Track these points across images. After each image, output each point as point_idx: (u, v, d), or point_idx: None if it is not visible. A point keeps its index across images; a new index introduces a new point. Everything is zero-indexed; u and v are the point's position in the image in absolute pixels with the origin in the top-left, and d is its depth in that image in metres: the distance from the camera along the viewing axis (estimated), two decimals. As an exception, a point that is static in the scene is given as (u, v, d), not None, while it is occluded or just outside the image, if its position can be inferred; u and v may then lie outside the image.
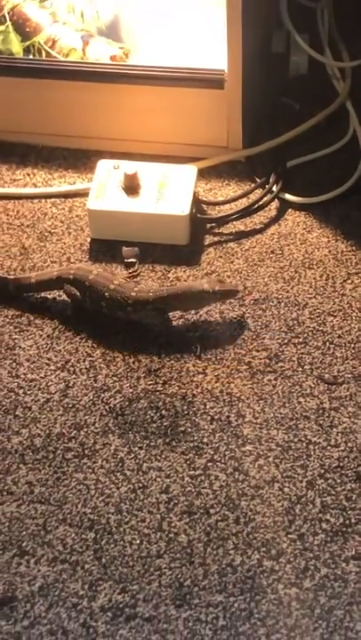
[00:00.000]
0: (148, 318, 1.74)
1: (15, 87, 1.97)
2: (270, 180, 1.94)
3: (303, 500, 1.53)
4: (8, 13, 2.04)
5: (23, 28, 2.05)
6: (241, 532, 1.50)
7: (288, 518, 1.51)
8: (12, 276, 1.80)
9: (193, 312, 1.75)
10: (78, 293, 1.75)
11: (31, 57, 2.03)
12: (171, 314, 1.75)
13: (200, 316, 1.75)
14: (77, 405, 1.65)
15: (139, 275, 1.81)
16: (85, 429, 1.62)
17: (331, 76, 2.03)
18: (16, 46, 2.03)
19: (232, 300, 1.77)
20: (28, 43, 2.04)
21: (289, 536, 1.50)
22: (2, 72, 1.98)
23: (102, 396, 1.66)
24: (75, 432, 1.62)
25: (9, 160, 2.01)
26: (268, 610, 1.43)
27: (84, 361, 1.71)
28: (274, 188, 1.93)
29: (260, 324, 1.75)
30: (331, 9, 2.02)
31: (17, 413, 1.64)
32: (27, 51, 2.04)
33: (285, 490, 1.54)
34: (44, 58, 2.03)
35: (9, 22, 2.03)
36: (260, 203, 1.92)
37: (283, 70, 2.07)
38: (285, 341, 1.72)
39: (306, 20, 2.01)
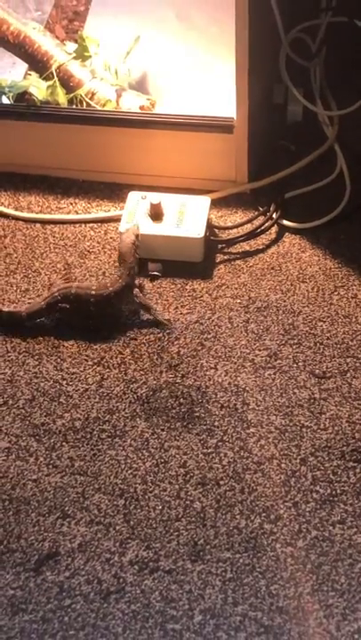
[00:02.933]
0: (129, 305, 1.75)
1: (61, 132, 1.97)
2: (271, 208, 1.93)
3: (297, 474, 1.53)
4: (55, 70, 2.04)
5: (68, 82, 2.05)
6: (245, 500, 1.50)
7: (285, 489, 1.51)
8: (7, 309, 1.75)
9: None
10: (69, 306, 1.73)
11: (74, 107, 2.03)
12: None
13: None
14: (110, 394, 1.65)
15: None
16: (117, 414, 1.62)
17: (321, 122, 2.02)
18: (62, 98, 2.03)
19: (238, 308, 1.77)
20: (71, 95, 2.04)
21: (285, 504, 1.49)
22: (50, 119, 1.98)
23: (131, 386, 1.66)
24: (108, 416, 1.62)
25: (55, 192, 2.01)
26: (267, 565, 1.42)
27: (116, 357, 1.71)
28: (274, 216, 1.93)
29: (262, 327, 1.74)
30: (322, 67, 2.02)
31: (61, 400, 1.64)
32: (70, 102, 2.04)
33: (282, 465, 1.54)
34: (84, 108, 2.03)
35: (56, 78, 2.03)
36: (263, 227, 1.91)
37: (282, 118, 2.06)
38: (283, 342, 1.72)
39: (301, 76, 2.01)
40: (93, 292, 1.73)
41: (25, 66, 2.11)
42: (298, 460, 1.54)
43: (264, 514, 1.48)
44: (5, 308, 1.75)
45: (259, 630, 1.36)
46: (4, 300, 1.81)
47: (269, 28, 1.89)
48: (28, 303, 1.78)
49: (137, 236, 1.80)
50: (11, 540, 1.46)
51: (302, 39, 1.98)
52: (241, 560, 1.43)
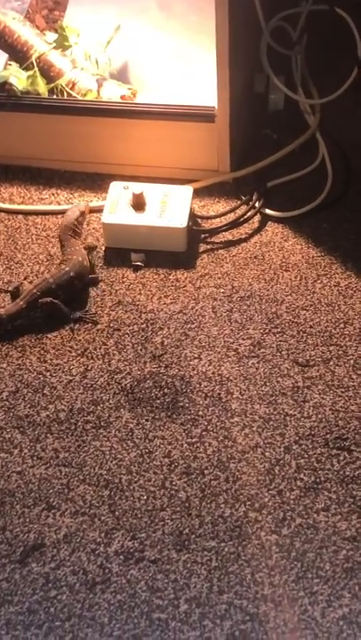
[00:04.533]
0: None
1: (41, 122, 1.96)
2: (253, 197, 1.93)
3: (281, 462, 1.53)
4: (35, 60, 2.03)
5: (48, 72, 2.04)
6: (230, 489, 1.50)
7: (269, 477, 1.51)
8: None
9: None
10: (54, 299, 1.73)
11: (55, 97, 2.02)
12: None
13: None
14: (95, 385, 1.65)
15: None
16: (101, 405, 1.62)
17: (303, 111, 2.02)
18: (42, 88, 2.02)
19: (222, 297, 1.77)
20: (52, 85, 2.02)
21: (270, 492, 1.50)
22: (30, 109, 1.97)
23: (115, 377, 1.66)
24: (92, 407, 1.62)
25: (37, 182, 2.00)
26: (252, 553, 1.43)
27: (99, 348, 1.70)
28: (256, 205, 1.93)
29: (245, 317, 1.75)
30: (303, 56, 2.02)
31: (45, 392, 1.64)
32: (51, 92, 2.02)
33: (267, 454, 1.54)
34: (65, 97, 2.02)
35: (36, 68, 2.02)
36: (245, 217, 1.91)
37: (263, 106, 2.06)
38: (266, 331, 1.72)
39: (282, 65, 2.00)
40: (72, 274, 1.75)
41: (5, 56, 2.09)
42: (282, 449, 1.55)
43: (249, 502, 1.48)
44: None
45: (244, 618, 1.36)
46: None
47: (250, 16, 1.88)
48: (1, 307, 1.77)
49: (82, 213, 1.83)
50: (-4, 532, 1.46)
51: (283, 27, 1.97)
52: (226, 549, 1.43)
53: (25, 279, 1.79)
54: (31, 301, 1.73)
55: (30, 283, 1.77)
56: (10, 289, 1.78)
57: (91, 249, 1.83)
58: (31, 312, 1.73)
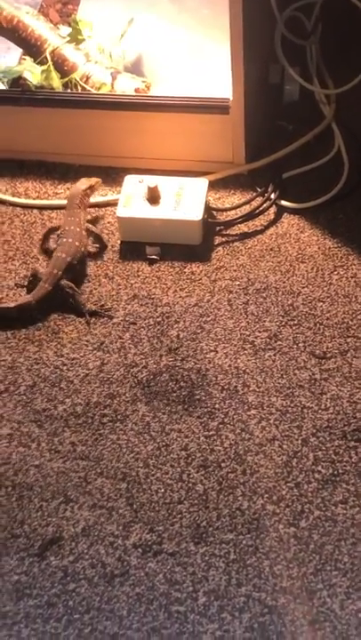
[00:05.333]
0: None
1: (56, 116, 1.97)
2: (269, 189, 1.93)
3: (299, 454, 1.53)
4: (49, 55, 2.04)
5: (62, 66, 2.04)
6: (247, 482, 1.50)
7: (286, 470, 1.51)
8: (14, 303, 1.74)
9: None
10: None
11: (69, 91, 2.03)
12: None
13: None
14: (111, 379, 1.65)
15: None
16: (118, 398, 1.62)
17: (318, 101, 2.01)
18: (56, 82, 2.02)
19: (237, 290, 1.77)
20: (66, 79, 2.03)
21: (287, 484, 1.50)
22: (44, 104, 1.97)
23: (131, 370, 1.66)
24: (109, 401, 1.62)
25: (52, 177, 2.00)
26: (270, 546, 1.43)
27: (115, 342, 1.71)
28: (272, 196, 1.92)
29: (261, 309, 1.74)
30: (318, 46, 2.01)
31: (62, 386, 1.65)
32: (65, 86, 2.03)
33: (284, 446, 1.54)
34: (79, 91, 2.03)
35: (50, 62, 2.03)
36: (261, 208, 1.91)
37: (278, 97, 2.05)
38: (283, 323, 1.72)
39: (297, 56, 1.99)
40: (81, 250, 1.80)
41: (19, 51, 2.10)
42: (299, 441, 1.54)
43: (266, 495, 1.48)
44: (12, 303, 1.74)
45: (263, 611, 1.36)
46: (2, 286, 1.81)
47: (264, 7, 1.88)
48: (20, 295, 1.77)
49: (91, 187, 1.86)
50: (14, 525, 1.47)
51: (298, 17, 1.96)
52: (244, 541, 1.43)
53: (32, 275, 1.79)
54: (55, 282, 1.74)
55: (46, 267, 1.78)
56: (27, 283, 1.79)
57: (95, 221, 1.86)
58: (57, 293, 1.75)
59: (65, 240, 1.79)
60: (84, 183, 1.87)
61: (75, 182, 1.92)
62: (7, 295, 1.79)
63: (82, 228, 1.82)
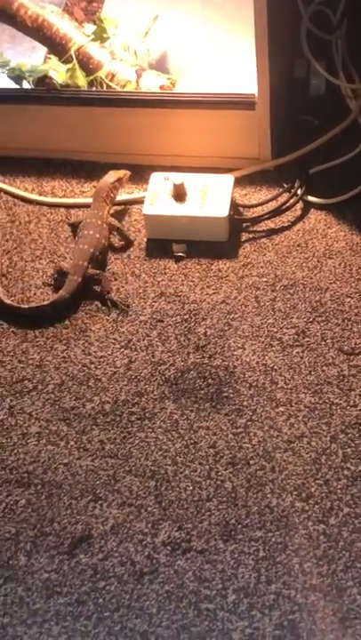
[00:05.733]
0: None
1: (81, 114, 1.97)
2: (295, 185, 1.92)
3: (328, 451, 1.52)
4: (74, 53, 2.04)
5: (87, 65, 2.05)
6: (276, 479, 1.50)
7: (315, 467, 1.51)
8: (47, 301, 1.76)
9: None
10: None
11: (94, 89, 2.03)
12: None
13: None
14: (139, 377, 1.65)
15: None
16: (146, 396, 1.63)
17: (345, 95, 2.00)
18: (81, 80, 2.02)
19: (265, 286, 1.77)
20: (91, 77, 2.03)
21: (316, 481, 1.49)
22: (69, 102, 1.98)
23: (159, 368, 1.66)
24: (137, 399, 1.62)
25: (78, 175, 2.01)
26: (300, 543, 1.43)
27: (143, 340, 1.71)
28: (298, 192, 1.91)
29: (289, 305, 1.74)
30: (344, 40, 1.99)
31: (90, 384, 1.65)
32: (90, 84, 2.03)
33: (313, 443, 1.54)
34: (104, 89, 2.03)
35: (75, 60, 2.03)
36: (287, 204, 1.90)
37: (304, 92, 2.04)
38: (311, 320, 1.71)
39: (323, 50, 1.98)
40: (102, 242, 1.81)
41: (44, 49, 2.11)
42: (328, 438, 1.54)
43: (295, 492, 1.48)
44: (46, 301, 1.75)
45: (293, 608, 1.36)
46: (30, 285, 1.81)
47: (289, 1, 1.86)
48: (47, 294, 1.78)
49: (119, 179, 1.87)
50: (44, 523, 1.48)
51: (323, 12, 1.95)
52: (273, 539, 1.43)
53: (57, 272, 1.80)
54: (83, 273, 1.76)
55: (70, 261, 1.79)
56: (53, 280, 1.79)
57: (119, 217, 1.86)
58: (87, 284, 1.76)
59: (86, 232, 1.81)
60: (112, 176, 1.88)
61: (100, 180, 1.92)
62: (35, 294, 1.80)
63: (103, 221, 1.83)
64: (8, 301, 1.75)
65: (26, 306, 1.75)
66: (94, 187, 1.94)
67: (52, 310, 1.74)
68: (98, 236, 1.80)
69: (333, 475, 1.49)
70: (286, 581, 1.39)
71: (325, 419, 1.56)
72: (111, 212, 1.87)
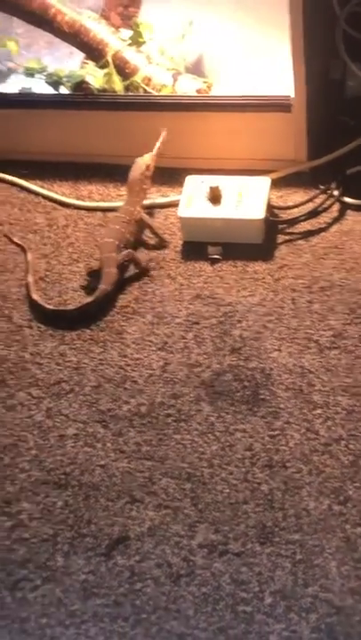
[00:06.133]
0: None
1: (118, 119, 1.98)
2: (332, 186, 1.91)
3: (365, 454, 1.51)
4: (111, 58, 2.05)
5: (123, 69, 2.06)
6: (313, 482, 1.49)
7: (353, 470, 1.49)
8: (91, 298, 1.77)
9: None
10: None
11: (130, 93, 2.04)
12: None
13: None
14: (175, 379, 1.65)
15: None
16: (182, 398, 1.62)
17: (381, 96, 1.99)
18: (118, 85, 2.04)
19: (301, 288, 1.75)
20: (127, 82, 2.05)
21: (354, 484, 1.47)
22: (107, 107, 1.99)
23: (195, 370, 1.66)
24: (173, 401, 1.62)
25: (114, 179, 2.02)
26: (337, 546, 1.41)
27: (178, 342, 1.71)
28: (335, 193, 1.90)
29: (326, 307, 1.73)
30: (380, 40, 1.98)
31: (126, 386, 1.65)
32: (127, 88, 2.05)
33: (350, 446, 1.52)
34: (141, 94, 2.04)
35: (112, 65, 2.04)
36: (324, 206, 1.90)
37: (340, 93, 2.03)
38: (348, 322, 1.70)
39: (359, 51, 1.97)
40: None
41: (81, 55, 2.13)
42: (366, 441, 1.53)
43: (333, 495, 1.47)
44: (90, 298, 1.76)
45: (330, 611, 1.35)
46: (67, 289, 1.83)
47: (324, 3, 1.86)
48: (96, 287, 1.78)
49: (147, 166, 1.87)
50: (81, 525, 1.48)
51: (359, 12, 1.94)
52: (310, 542, 1.42)
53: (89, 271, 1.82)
54: (117, 263, 1.78)
55: (100, 256, 1.81)
56: (87, 282, 1.80)
57: (150, 214, 1.86)
58: (122, 272, 1.79)
59: (111, 226, 1.83)
60: (140, 167, 1.87)
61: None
62: (72, 297, 1.81)
63: (132, 217, 1.84)
64: (51, 307, 1.76)
65: (72, 307, 1.76)
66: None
67: (97, 307, 1.75)
68: (123, 230, 1.82)
69: (371, 477, 1.48)
70: (324, 584, 1.37)
71: (363, 421, 1.55)
72: (143, 205, 1.87)
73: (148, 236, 1.89)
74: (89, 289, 1.79)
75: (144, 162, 1.88)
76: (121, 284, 1.79)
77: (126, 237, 1.82)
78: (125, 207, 1.86)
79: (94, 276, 1.79)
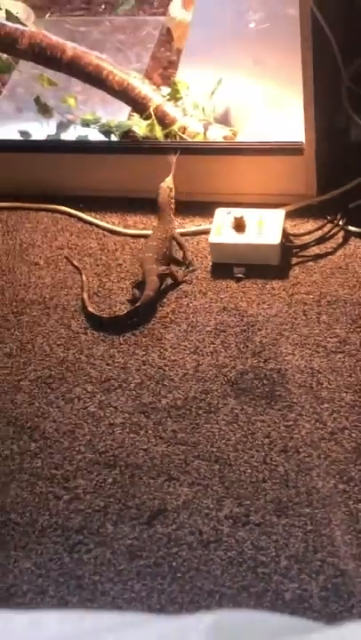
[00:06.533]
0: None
1: (158, 161, 1.97)
2: (337, 217, 1.90)
3: (366, 441, 1.50)
4: (153, 111, 2.06)
5: (163, 120, 2.05)
6: (321, 465, 1.48)
7: (355, 455, 1.48)
8: (138, 303, 1.77)
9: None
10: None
11: (169, 140, 2.04)
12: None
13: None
14: (205, 377, 1.65)
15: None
16: (211, 394, 1.62)
17: (379, 142, 1.98)
18: (159, 133, 2.04)
19: (311, 302, 1.75)
20: (167, 130, 2.04)
21: (357, 467, 1.47)
22: (150, 152, 1.99)
23: (222, 370, 1.66)
24: (204, 396, 1.62)
25: (155, 211, 2.01)
26: (342, 518, 1.40)
27: (209, 347, 1.70)
28: (340, 223, 1.89)
29: (332, 318, 1.72)
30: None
31: (164, 383, 1.66)
32: (166, 136, 2.04)
33: (353, 435, 1.51)
34: (178, 140, 2.04)
35: (154, 117, 2.04)
36: (331, 233, 1.88)
37: (345, 139, 2.02)
38: (351, 330, 1.69)
39: (360, 104, 1.96)
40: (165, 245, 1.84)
41: (128, 108, 2.13)
42: (366, 430, 1.51)
43: (338, 476, 1.46)
44: (138, 304, 1.76)
45: (336, 573, 1.34)
46: (116, 302, 1.83)
47: (331, 66, 1.86)
48: (137, 299, 1.79)
49: (171, 189, 1.87)
50: (127, 498, 1.49)
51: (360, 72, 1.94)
52: (319, 515, 1.41)
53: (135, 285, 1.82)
54: (158, 273, 1.79)
55: (142, 269, 1.81)
56: (133, 295, 1.81)
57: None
58: (162, 282, 1.80)
59: (150, 243, 1.84)
60: (165, 191, 1.87)
61: (174, 215, 1.93)
62: (120, 309, 1.82)
63: (167, 235, 1.85)
64: (105, 315, 1.77)
65: (123, 313, 1.77)
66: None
67: (144, 309, 1.76)
68: (160, 245, 1.83)
69: (371, 461, 1.47)
70: (330, 551, 1.37)
71: (364, 414, 1.54)
72: (174, 216, 1.88)
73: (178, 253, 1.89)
74: (134, 301, 1.80)
75: (167, 185, 1.89)
76: (160, 296, 1.79)
77: (163, 251, 1.83)
78: (160, 226, 1.87)
79: (139, 287, 1.80)
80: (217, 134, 2.03)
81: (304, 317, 1.73)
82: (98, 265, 1.92)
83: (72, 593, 1.38)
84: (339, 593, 1.32)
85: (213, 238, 1.86)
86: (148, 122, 2.04)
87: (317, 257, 1.86)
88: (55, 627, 0.62)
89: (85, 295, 1.81)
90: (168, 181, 1.90)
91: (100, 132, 2.09)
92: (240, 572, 1.37)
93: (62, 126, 2.15)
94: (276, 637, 0.53)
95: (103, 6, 2.61)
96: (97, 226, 2.01)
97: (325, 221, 1.91)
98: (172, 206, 1.89)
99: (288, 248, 1.87)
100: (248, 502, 1.45)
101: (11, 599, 1.38)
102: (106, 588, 1.38)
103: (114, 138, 2.08)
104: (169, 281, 1.82)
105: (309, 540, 1.39)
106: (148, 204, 2.03)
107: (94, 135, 2.10)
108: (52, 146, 2.10)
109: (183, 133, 2.04)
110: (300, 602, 1.32)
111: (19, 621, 0.63)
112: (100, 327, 1.77)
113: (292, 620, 0.60)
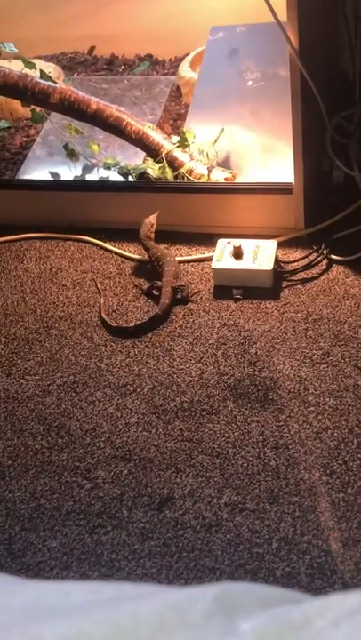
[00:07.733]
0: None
1: (170, 199, 2.00)
2: (322, 246, 1.91)
3: (346, 440, 1.50)
4: (164, 156, 2.08)
5: (173, 163, 2.07)
6: (308, 459, 1.48)
7: (337, 451, 1.48)
8: (160, 311, 1.78)
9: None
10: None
11: (178, 181, 2.06)
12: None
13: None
14: (208, 384, 1.66)
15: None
16: (213, 398, 1.63)
17: (359, 183, 1.98)
18: (169, 175, 2.06)
19: (299, 319, 1.76)
20: (176, 172, 2.06)
21: (337, 462, 1.47)
22: (162, 190, 2.01)
23: (222, 378, 1.66)
24: (207, 399, 1.63)
25: (165, 242, 2.02)
26: (325, 506, 1.40)
27: (211, 357, 1.71)
28: (325, 252, 1.90)
29: (317, 333, 1.72)
30: (357, 143, 1.98)
31: (173, 388, 1.66)
32: (175, 177, 2.06)
33: (335, 434, 1.51)
34: (186, 181, 2.06)
35: (165, 161, 2.07)
36: (316, 261, 1.89)
37: (328, 180, 2.03)
38: (333, 344, 1.69)
39: (342, 150, 1.98)
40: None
41: (143, 154, 2.15)
42: (346, 431, 1.51)
43: (322, 469, 1.46)
44: (157, 311, 1.77)
45: (320, 554, 1.34)
46: (132, 318, 1.84)
47: (317, 118, 1.87)
48: (153, 311, 1.80)
49: (152, 225, 1.89)
50: (140, 487, 1.49)
51: (342, 124, 1.95)
52: (306, 503, 1.41)
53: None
54: (172, 287, 1.81)
55: (163, 279, 1.84)
56: (235, 296, 1.82)
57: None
58: (175, 295, 1.82)
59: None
60: (147, 225, 1.90)
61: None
62: (135, 324, 1.82)
63: (171, 256, 1.89)
64: (132, 325, 1.78)
65: (144, 321, 1.77)
66: (178, 249, 1.97)
67: (164, 315, 1.78)
68: (176, 267, 1.87)
69: (350, 457, 1.47)
70: (315, 534, 1.36)
71: (344, 416, 1.54)
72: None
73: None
74: (150, 294, 1.83)
75: (150, 221, 1.91)
76: (169, 314, 1.80)
77: (177, 271, 1.86)
78: (170, 252, 1.89)
79: (156, 289, 1.83)
80: (219, 176, 2.04)
81: (293, 332, 1.74)
82: (117, 287, 1.94)
83: (92, 569, 1.38)
84: (323, 571, 1.32)
85: (215, 264, 1.87)
86: (160, 165, 2.06)
87: (305, 281, 1.87)
88: (80, 595, 0.63)
89: (104, 314, 1.82)
90: (152, 218, 1.93)
91: (120, 173, 2.11)
92: (237, 551, 1.37)
93: (87, 168, 2.17)
94: (272, 605, 0.54)
95: (122, 67, 2.65)
96: (116, 253, 2.03)
97: (311, 251, 1.92)
98: (152, 237, 1.93)
99: (279, 273, 1.88)
100: (245, 491, 1.45)
101: (40, 573, 1.38)
102: (122, 565, 1.38)
103: (131, 179, 2.10)
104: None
105: (297, 525, 1.39)
106: (160, 235, 2.05)
107: (114, 176, 2.12)
108: (79, 185, 2.12)
109: (190, 175, 2.06)
110: (289, 578, 1.32)
111: (50, 590, 0.63)
112: (127, 336, 1.77)
113: (285, 592, 0.60)
